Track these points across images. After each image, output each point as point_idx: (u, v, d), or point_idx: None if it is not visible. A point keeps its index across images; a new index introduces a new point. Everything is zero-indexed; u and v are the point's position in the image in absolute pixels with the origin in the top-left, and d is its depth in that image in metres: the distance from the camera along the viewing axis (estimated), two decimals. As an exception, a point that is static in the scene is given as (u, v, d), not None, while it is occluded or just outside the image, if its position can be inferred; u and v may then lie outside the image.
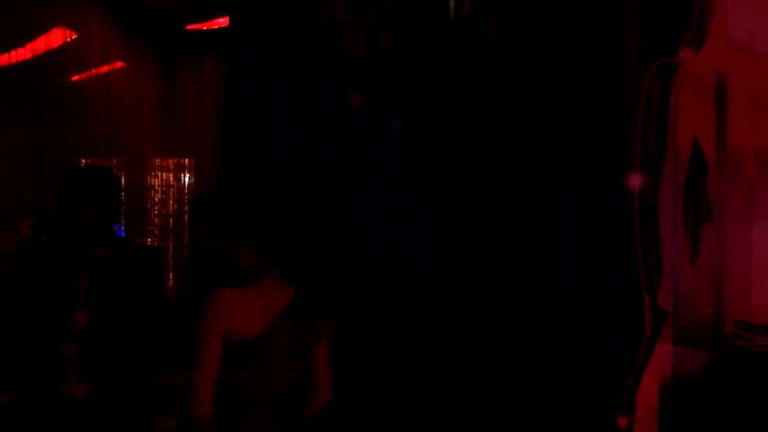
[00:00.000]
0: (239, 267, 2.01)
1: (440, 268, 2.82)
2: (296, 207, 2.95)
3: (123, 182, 3.22)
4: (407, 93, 3.14)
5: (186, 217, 7.23)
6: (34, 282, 2.53)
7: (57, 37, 5.89)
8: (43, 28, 5.76)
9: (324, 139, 3.28)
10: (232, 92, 3.69)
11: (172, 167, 7.49)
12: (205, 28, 6.41)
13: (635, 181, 2.34)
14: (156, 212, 7.37)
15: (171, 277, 6.55)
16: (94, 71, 6.58)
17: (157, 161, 7.45)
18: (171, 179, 7.46)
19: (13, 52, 5.70)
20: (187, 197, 7.28)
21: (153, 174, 7.42)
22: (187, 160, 7.40)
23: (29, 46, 5.95)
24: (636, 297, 2.29)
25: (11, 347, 2.51)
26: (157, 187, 7.42)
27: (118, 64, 6.65)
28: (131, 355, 2.53)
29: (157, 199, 7.38)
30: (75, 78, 6.54)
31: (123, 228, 5.92)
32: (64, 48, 6.13)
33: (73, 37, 6.14)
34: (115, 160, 7.02)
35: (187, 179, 7.42)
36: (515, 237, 2.61)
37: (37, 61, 6.03)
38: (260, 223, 2.06)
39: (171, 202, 7.44)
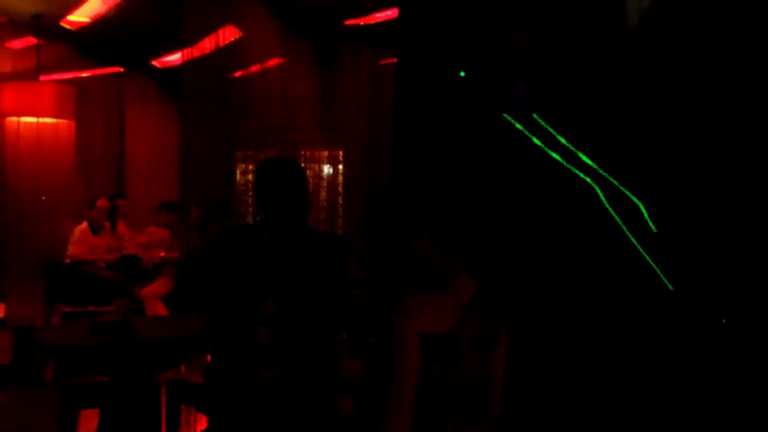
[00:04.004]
0: (422, 260, 2.02)
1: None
2: (472, 198, 2.96)
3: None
4: (575, 85, 3.06)
5: (341, 209, 7.47)
6: (229, 269, 2.67)
7: (227, 35, 6.21)
8: (215, 27, 6.10)
9: (489, 129, 3.26)
10: (400, 83, 3.74)
11: (324, 159, 7.72)
12: (362, 23, 6.56)
13: None
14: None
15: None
16: (256, 67, 6.88)
17: (310, 153, 7.71)
18: (324, 170, 7.69)
19: (187, 50, 6.06)
20: (341, 189, 7.49)
21: (306, 166, 7.65)
22: (340, 152, 7.60)
23: (200, 44, 6.31)
24: None
25: (210, 330, 2.67)
26: (310, 179, 7.65)
27: (279, 60, 6.92)
28: (318, 339, 2.62)
29: (310, 190, 7.59)
30: (238, 74, 6.87)
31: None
32: (231, 46, 6.46)
33: (240, 36, 6.46)
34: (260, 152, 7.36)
35: (339, 170, 7.62)
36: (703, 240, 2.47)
37: (206, 58, 6.38)
38: (441, 215, 2.07)
39: (323, 193, 7.67)
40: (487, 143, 3.24)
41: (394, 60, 6.37)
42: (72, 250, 6.35)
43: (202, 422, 3.53)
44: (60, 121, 6.40)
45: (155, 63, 8.23)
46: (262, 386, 2.56)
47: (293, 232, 2.66)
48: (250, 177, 7.73)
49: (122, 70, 8.22)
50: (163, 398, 3.37)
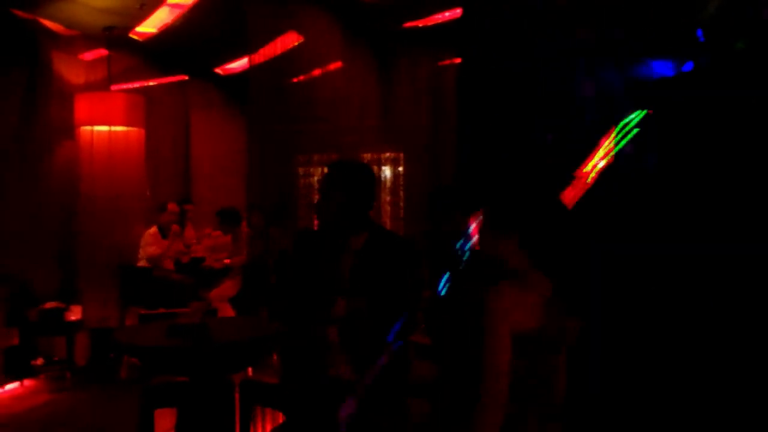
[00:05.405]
0: (498, 259, 2.02)
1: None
2: (550, 198, 2.94)
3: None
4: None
5: (402, 211, 7.48)
6: (303, 271, 2.73)
7: (288, 41, 6.30)
8: (277, 33, 6.19)
9: (557, 128, 3.23)
10: (464, 84, 3.73)
11: (385, 160, 7.75)
12: (421, 25, 6.57)
13: None
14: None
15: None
16: (317, 71, 6.95)
17: (371, 155, 7.75)
18: (384, 172, 7.73)
19: (251, 56, 6.18)
20: (402, 190, 7.51)
21: (367, 167, 7.64)
22: (401, 154, 7.62)
23: (263, 50, 6.42)
24: None
25: (283, 331, 2.73)
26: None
27: (339, 64, 6.98)
28: (387, 340, 2.64)
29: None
30: (300, 78, 6.95)
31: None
32: (293, 51, 6.55)
33: (301, 41, 6.54)
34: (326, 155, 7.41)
35: (400, 172, 7.64)
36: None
37: (269, 64, 6.48)
38: (525, 216, 2.07)
39: (383, 195, 7.70)
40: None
41: (454, 61, 6.35)
42: (143, 253, 6.55)
43: (271, 422, 3.60)
44: (131, 129, 6.62)
45: (218, 70, 8.41)
46: (332, 386, 2.60)
47: (361, 233, 2.69)
48: (311, 180, 7.83)
49: (187, 78, 8.42)
50: (237, 398, 3.45)
